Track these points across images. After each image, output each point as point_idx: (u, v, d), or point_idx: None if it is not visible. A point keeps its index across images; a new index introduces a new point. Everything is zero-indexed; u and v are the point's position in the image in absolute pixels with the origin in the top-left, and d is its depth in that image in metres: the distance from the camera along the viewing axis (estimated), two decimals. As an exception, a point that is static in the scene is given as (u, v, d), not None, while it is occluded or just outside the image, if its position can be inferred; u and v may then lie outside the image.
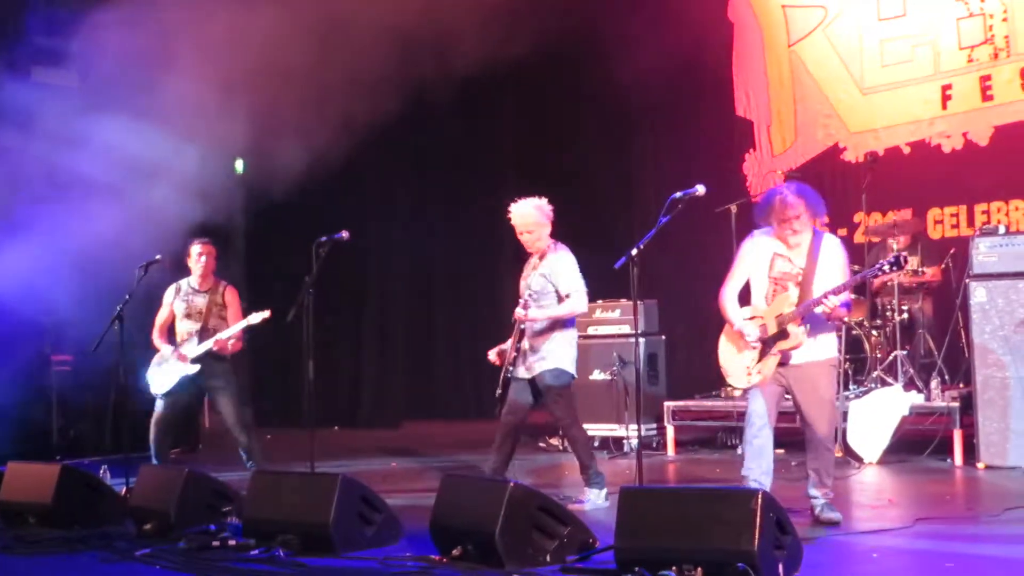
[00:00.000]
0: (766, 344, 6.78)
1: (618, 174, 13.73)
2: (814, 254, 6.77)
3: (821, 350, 6.82)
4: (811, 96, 12.53)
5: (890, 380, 9.87)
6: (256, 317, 8.82)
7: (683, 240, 10.61)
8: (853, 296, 10.14)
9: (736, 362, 6.93)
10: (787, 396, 6.92)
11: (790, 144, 12.66)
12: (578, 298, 7.79)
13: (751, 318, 6.87)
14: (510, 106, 14.76)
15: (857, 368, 10.37)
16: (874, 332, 10.34)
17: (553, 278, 7.79)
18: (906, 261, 6.95)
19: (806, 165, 12.41)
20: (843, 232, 11.99)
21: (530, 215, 7.86)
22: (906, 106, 11.84)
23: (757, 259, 6.94)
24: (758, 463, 6.78)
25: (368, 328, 15.35)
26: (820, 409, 6.80)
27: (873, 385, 9.91)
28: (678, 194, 6.67)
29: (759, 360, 6.80)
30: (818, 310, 6.59)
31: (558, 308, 7.79)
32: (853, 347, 10.34)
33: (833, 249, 6.85)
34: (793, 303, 6.70)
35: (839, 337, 10.02)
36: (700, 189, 6.67)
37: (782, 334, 6.72)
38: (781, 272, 6.83)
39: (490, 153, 14.71)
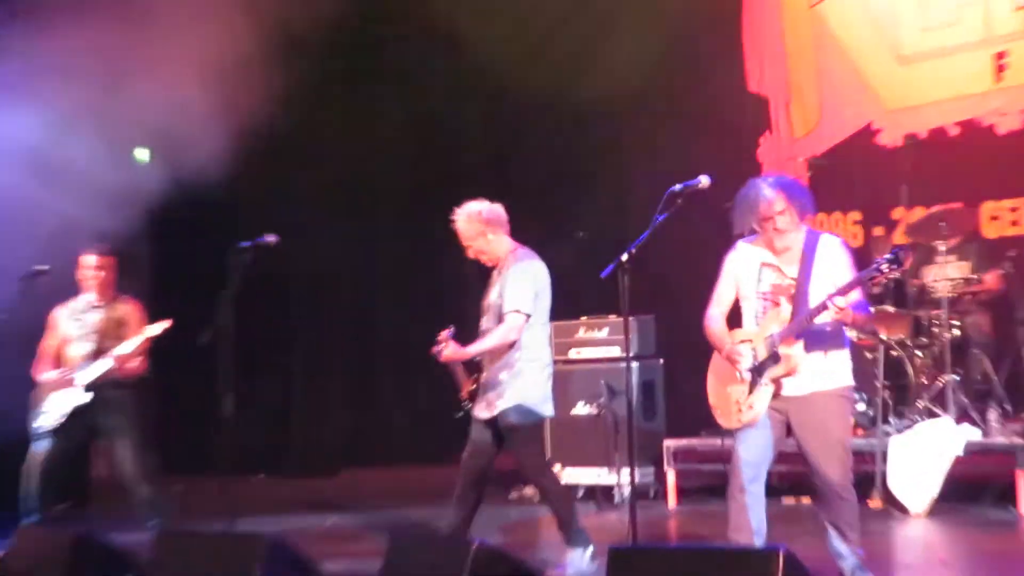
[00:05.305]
0: (756, 373, 6.68)
1: (608, 163, 13.72)
2: (808, 259, 6.65)
3: (829, 378, 6.68)
4: (838, 67, 12.57)
5: (939, 411, 9.88)
6: (155, 328, 8.79)
7: (685, 242, 10.57)
8: (892, 309, 10.19)
9: (724, 397, 6.84)
10: (789, 436, 6.79)
11: (814, 125, 12.70)
12: (511, 323, 7.70)
13: (741, 342, 6.79)
14: (475, 83, 14.67)
15: (899, 397, 10.36)
16: (918, 353, 10.33)
17: (503, 294, 7.77)
18: (906, 255, 6.90)
19: (833, 150, 12.49)
20: (879, 231, 12.01)
21: (464, 227, 7.93)
22: (953, 78, 11.86)
23: (743, 274, 6.89)
24: (745, 525, 6.65)
25: (299, 354, 15.36)
26: (829, 451, 6.64)
27: (918, 418, 9.91)
28: (678, 187, 6.67)
29: (749, 393, 6.70)
30: (824, 317, 6.43)
31: (484, 341, 7.79)
32: (893, 371, 10.33)
33: (832, 250, 6.71)
34: (785, 320, 6.59)
35: (865, 358, 10.09)
36: (704, 180, 6.65)
37: (773, 358, 6.61)
38: (771, 285, 6.76)
39: (449, 139, 14.68)
